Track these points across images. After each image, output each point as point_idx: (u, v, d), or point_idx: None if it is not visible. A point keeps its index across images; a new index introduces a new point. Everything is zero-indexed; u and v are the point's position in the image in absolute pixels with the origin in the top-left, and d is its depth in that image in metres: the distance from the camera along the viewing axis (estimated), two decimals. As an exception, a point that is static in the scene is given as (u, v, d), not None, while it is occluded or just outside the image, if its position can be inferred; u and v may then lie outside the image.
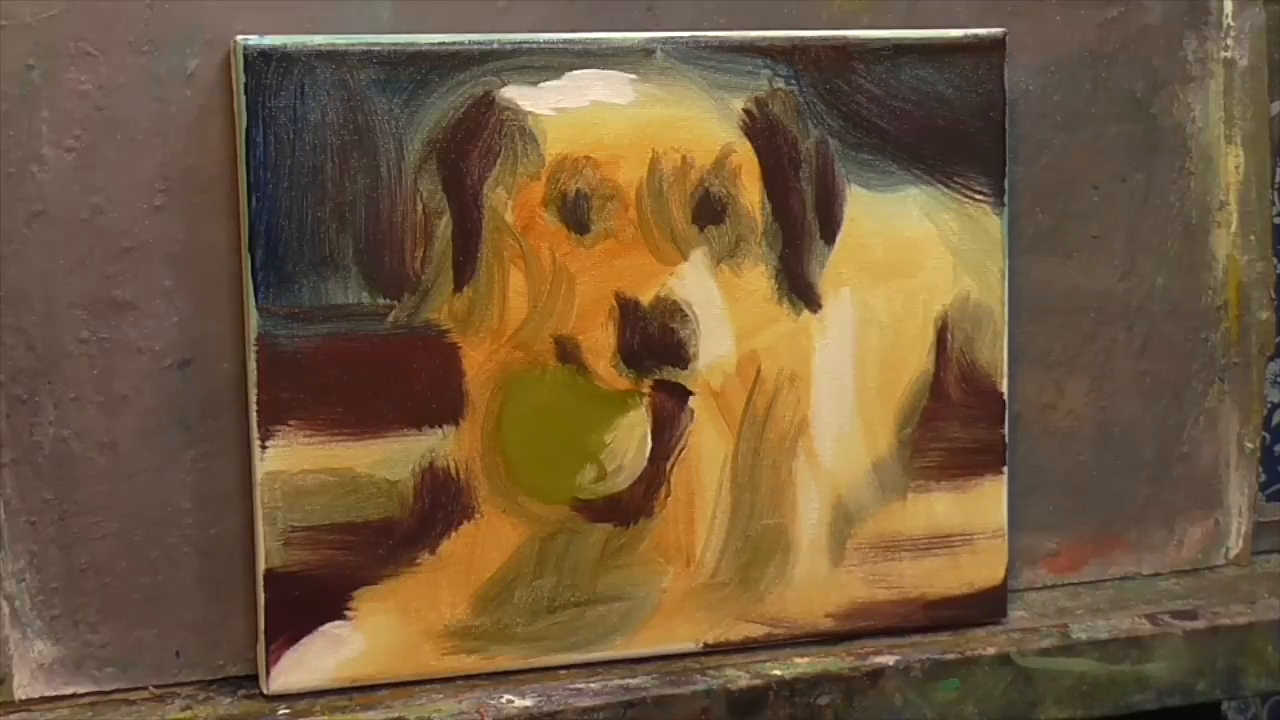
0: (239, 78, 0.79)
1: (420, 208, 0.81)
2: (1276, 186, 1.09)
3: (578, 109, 0.83)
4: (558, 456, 0.84)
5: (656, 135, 0.84)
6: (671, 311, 0.85)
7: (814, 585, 0.88)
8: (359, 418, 0.81)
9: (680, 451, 0.86)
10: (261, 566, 0.80)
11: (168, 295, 0.81)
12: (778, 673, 0.85)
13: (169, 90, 0.80)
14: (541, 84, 0.82)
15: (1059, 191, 0.95)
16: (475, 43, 0.81)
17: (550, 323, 0.83)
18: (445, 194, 0.81)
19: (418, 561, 0.82)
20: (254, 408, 0.80)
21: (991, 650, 0.89)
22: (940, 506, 0.90)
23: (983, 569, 0.91)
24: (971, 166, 0.89)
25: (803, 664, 0.86)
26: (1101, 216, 0.96)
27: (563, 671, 0.85)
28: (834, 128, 0.87)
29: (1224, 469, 1.00)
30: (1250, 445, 1.00)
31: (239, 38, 0.79)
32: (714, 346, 0.86)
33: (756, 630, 0.88)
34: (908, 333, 0.89)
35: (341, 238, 0.80)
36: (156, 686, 0.82)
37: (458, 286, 0.82)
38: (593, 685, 0.83)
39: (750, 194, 0.86)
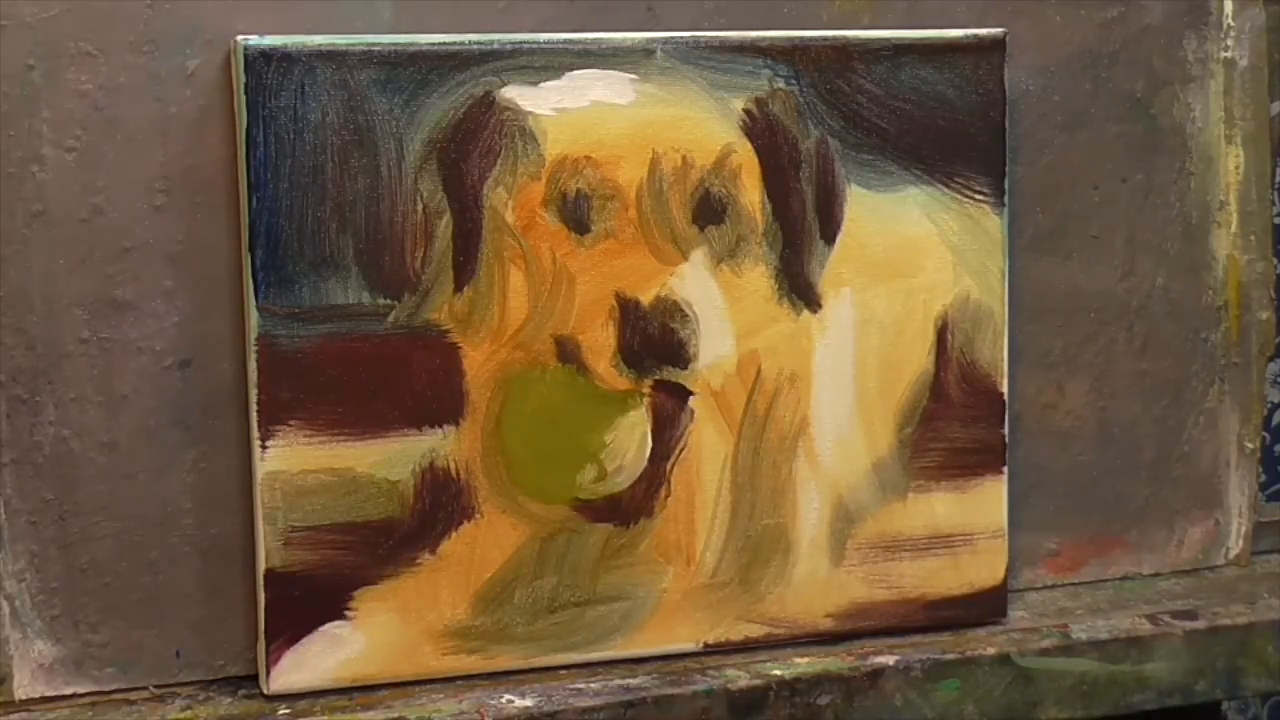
0: (239, 78, 0.79)
1: (420, 208, 0.81)
2: (1276, 186, 1.09)
3: (578, 109, 0.83)
4: (558, 456, 0.84)
5: (656, 135, 0.84)
6: (671, 311, 0.85)
7: (814, 585, 0.88)
8: (359, 418, 0.81)
9: (680, 451, 0.86)
10: (261, 566, 0.80)
11: (168, 295, 0.81)
12: (778, 673, 0.85)
13: (169, 90, 0.80)
14: (542, 84, 0.82)
15: (1059, 191, 0.95)
16: (475, 43, 0.81)
17: (550, 323, 0.83)
18: (445, 194, 0.81)
19: (418, 561, 0.82)
20: (254, 408, 0.80)
21: (991, 650, 0.89)
22: (940, 506, 0.90)
23: (983, 569, 0.91)
24: (971, 166, 0.89)
25: (803, 664, 0.86)
26: (1101, 216, 0.96)
27: (563, 671, 0.85)
28: (834, 128, 0.87)
29: (1224, 469, 1.00)
30: (1250, 445, 1.00)
31: (239, 38, 0.79)
32: (714, 346, 0.86)
33: (756, 630, 0.88)
34: (908, 333, 0.89)
35: (341, 238, 0.80)
36: (156, 686, 0.82)
37: (458, 286, 0.82)
38: (593, 685, 0.83)
39: (750, 194, 0.86)
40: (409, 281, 0.81)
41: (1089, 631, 0.91)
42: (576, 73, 0.83)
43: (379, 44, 0.80)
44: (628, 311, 0.84)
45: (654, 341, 0.85)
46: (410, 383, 0.81)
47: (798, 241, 0.87)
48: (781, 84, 0.86)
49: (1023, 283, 0.94)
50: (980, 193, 0.89)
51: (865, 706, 0.86)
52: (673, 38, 0.84)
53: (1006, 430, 0.91)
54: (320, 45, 0.79)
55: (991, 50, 0.89)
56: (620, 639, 0.86)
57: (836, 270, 0.87)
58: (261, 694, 0.82)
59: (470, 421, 0.82)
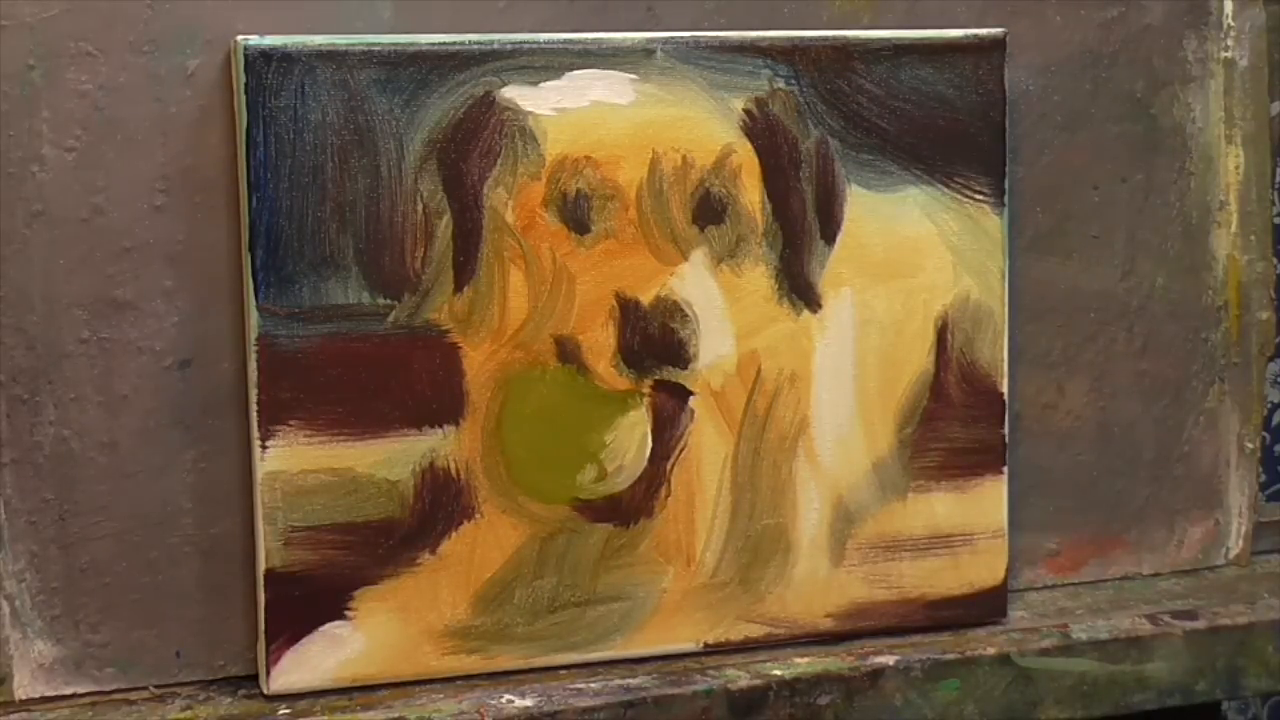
0: (239, 78, 0.79)
1: (420, 208, 0.81)
2: (1276, 186, 1.09)
3: (578, 109, 0.83)
4: (558, 456, 0.84)
5: (656, 135, 0.84)
6: (671, 311, 0.85)
7: (814, 585, 0.88)
8: (359, 418, 0.81)
9: (680, 451, 0.86)
10: (262, 566, 0.80)
11: (168, 295, 0.81)
12: (778, 673, 0.85)
13: (169, 90, 0.80)
14: (542, 84, 0.82)
15: (1059, 191, 0.95)
16: (475, 43, 0.81)
17: (550, 323, 0.83)
18: (445, 194, 0.81)
19: (418, 561, 0.82)
20: (254, 408, 0.80)
21: (991, 650, 0.89)
22: (940, 506, 0.90)
23: (983, 569, 0.91)
24: (971, 166, 0.89)
25: (803, 664, 0.86)
26: (1101, 216, 0.96)
27: (563, 671, 0.85)
28: (834, 128, 0.87)
29: (1224, 469, 1.00)
30: (1250, 445, 1.00)
31: (239, 38, 0.79)
32: (714, 346, 0.86)
33: (756, 630, 0.88)
34: (908, 333, 0.89)
35: (342, 238, 0.80)
36: (156, 686, 0.82)
37: (458, 286, 0.82)
38: (593, 685, 0.83)
39: (750, 194, 0.86)
40: (409, 281, 0.81)
41: (1089, 631, 0.91)
42: (576, 73, 0.83)
43: (379, 44, 0.80)
44: (628, 311, 0.84)
45: (654, 341, 0.85)
46: (410, 383, 0.81)
47: (798, 241, 0.87)
48: (781, 84, 0.86)
49: (1023, 283, 0.94)
50: (980, 193, 0.89)
51: (865, 706, 0.86)
52: (673, 38, 0.84)
53: (1006, 430, 0.91)
54: (320, 45, 0.79)
55: (991, 50, 0.89)
56: (620, 639, 0.86)
57: (836, 270, 0.87)
58: (261, 694, 0.82)
59: (470, 421, 0.82)
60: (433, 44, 0.81)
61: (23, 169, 0.78)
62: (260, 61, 0.78)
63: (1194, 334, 0.99)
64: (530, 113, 0.82)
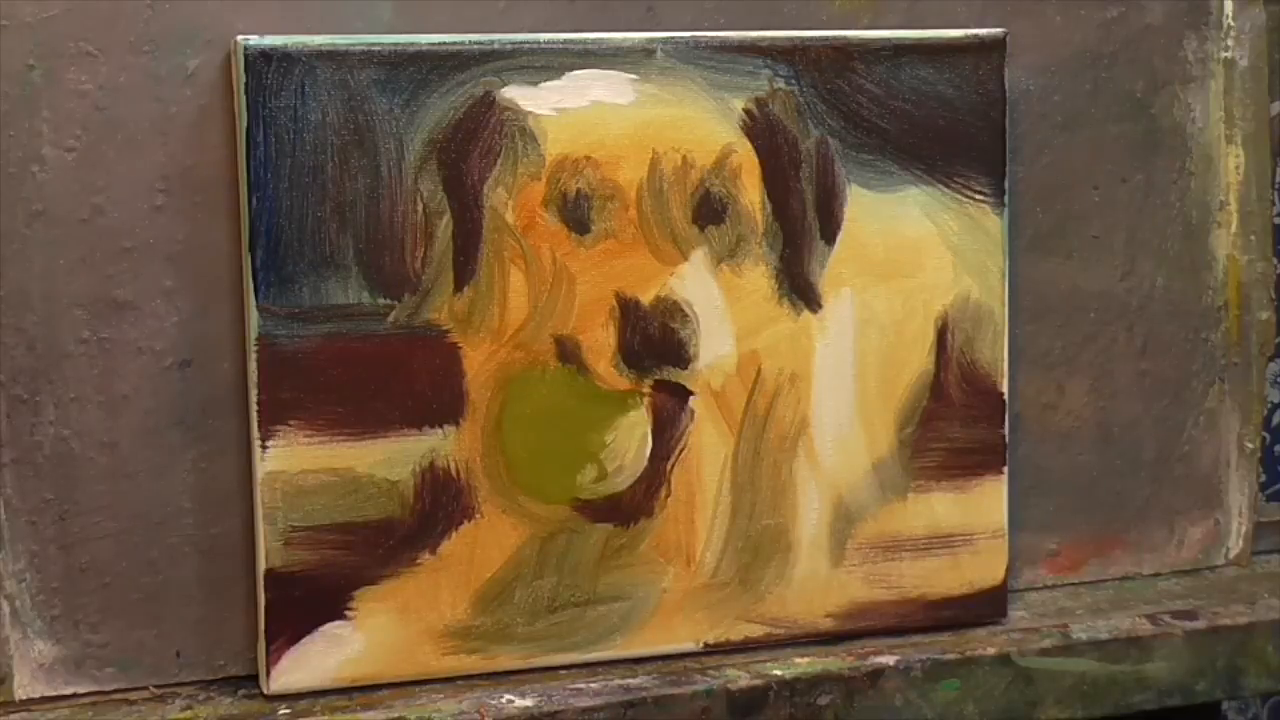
0: (239, 78, 0.79)
1: (420, 208, 0.81)
2: (1276, 186, 1.09)
3: (578, 109, 0.83)
4: (558, 456, 0.84)
5: (657, 135, 0.84)
6: (672, 311, 0.85)
7: (814, 585, 0.88)
8: (359, 418, 0.81)
9: (680, 451, 0.86)
10: (262, 566, 0.80)
11: (168, 295, 0.81)
12: (778, 673, 0.85)
13: (169, 90, 0.80)
14: (542, 84, 0.82)
15: (1059, 191, 0.95)
16: (475, 43, 0.81)
17: (550, 323, 0.83)
18: (446, 194, 0.81)
19: (418, 561, 0.82)
20: (254, 408, 0.80)
21: (991, 650, 0.89)
22: (940, 506, 0.90)
23: (983, 569, 0.91)
24: (971, 166, 0.89)
25: (803, 664, 0.86)
26: (1101, 216, 0.96)
27: (563, 671, 0.85)
28: (834, 128, 0.87)
29: (1224, 469, 1.00)
30: (1250, 445, 1.00)
31: (239, 38, 0.79)
32: (714, 346, 0.86)
33: (756, 630, 0.88)
34: (908, 333, 0.89)
35: (342, 238, 0.80)
36: (156, 686, 0.82)
37: (458, 286, 0.82)
38: (593, 685, 0.83)
39: (750, 194, 0.86)
40: (409, 281, 0.81)
41: (1089, 631, 0.91)
42: (576, 73, 0.83)
43: (379, 44, 0.80)
44: (628, 311, 0.84)
45: (654, 341, 0.85)
46: (410, 383, 0.81)
47: (798, 241, 0.87)
48: (781, 84, 0.86)
49: (1023, 283, 0.94)
50: (980, 193, 0.89)
51: (865, 706, 0.86)
52: (673, 38, 0.84)
53: (1006, 430, 0.91)
54: (320, 45, 0.79)
55: (991, 50, 0.89)
56: (620, 639, 0.86)
57: (837, 270, 0.87)
58: (261, 694, 0.82)
59: (470, 421, 0.82)
60: (433, 44, 0.81)
61: (23, 169, 0.78)
62: (260, 61, 0.78)
63: (1194, 334, 0.99)
64: (530, 113, 0.82)
